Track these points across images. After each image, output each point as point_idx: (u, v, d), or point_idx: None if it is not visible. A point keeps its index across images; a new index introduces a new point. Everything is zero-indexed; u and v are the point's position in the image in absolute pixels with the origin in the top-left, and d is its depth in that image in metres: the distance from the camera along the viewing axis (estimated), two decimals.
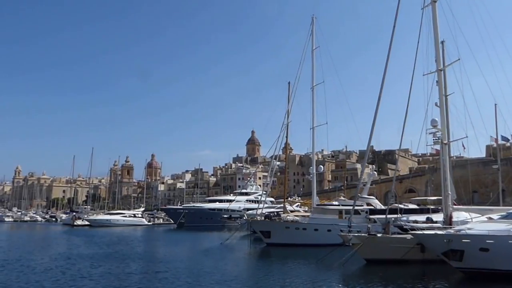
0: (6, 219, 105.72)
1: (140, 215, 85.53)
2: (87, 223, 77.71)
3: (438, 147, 28.78)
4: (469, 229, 20.41)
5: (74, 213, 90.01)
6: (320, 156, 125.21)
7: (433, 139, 27.82)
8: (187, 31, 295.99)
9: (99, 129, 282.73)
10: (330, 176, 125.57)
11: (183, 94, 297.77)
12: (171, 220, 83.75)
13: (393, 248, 23.97)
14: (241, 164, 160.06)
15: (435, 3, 26.81)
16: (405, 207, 37.40)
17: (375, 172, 47.54)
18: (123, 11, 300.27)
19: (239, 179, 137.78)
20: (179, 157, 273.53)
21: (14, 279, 19.78)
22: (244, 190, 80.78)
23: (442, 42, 29.68)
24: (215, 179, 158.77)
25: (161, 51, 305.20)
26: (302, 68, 43.97)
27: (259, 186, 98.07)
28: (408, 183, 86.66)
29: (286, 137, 47.23)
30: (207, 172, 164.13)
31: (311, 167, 47.97)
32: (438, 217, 29.70)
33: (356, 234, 25.55)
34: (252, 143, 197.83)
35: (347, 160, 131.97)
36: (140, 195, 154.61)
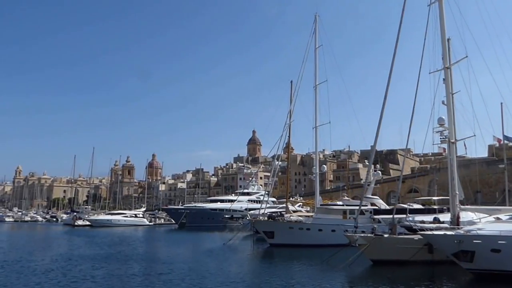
0: (7, 219, 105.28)
1: (141, 215, 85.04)
2: (88, 223, 77.25)
3: (445, 145, 28.33)
4: (479, 229, 19.97)
5: (75, 213, 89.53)
6: (321, 156, 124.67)
7: (440, 138, 27.39)
8: (188, 31, 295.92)
9: (99, 129, 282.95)
10: (331, 176, 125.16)
11: (184, 94, 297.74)
12: (172, 220, 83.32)
13: (400, 249, 23.50)
14: (242, 164, 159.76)
15: None
16: (410, 207, 36.92)
17: (379, 172, 47.00)
18: (124, 11, 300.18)
19: (240, 179, 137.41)
20: (179, 157, 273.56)
21: (14, 281, 19.33)
22: (245, 190, 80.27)
23: (448, 40, 29.19)
24: (216, 179, 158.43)
25: (162, 51, 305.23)
26: (305, 67, 43.52)
27: (260, 186, 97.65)
28: (411, 183, 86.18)
29: (289, 136, 46.79)
30: (208, 172, 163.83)
31: (314, 167, 47.49)
32: (445, 217, 29.28)
33: (363, 235, 25.07)
34: (253, 143, 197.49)
35: (348, 160, 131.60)
36: (141, 195, 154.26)
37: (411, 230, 26.40)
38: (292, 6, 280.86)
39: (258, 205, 63.16)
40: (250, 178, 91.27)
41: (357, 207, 37.77)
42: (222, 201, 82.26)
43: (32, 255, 29.96)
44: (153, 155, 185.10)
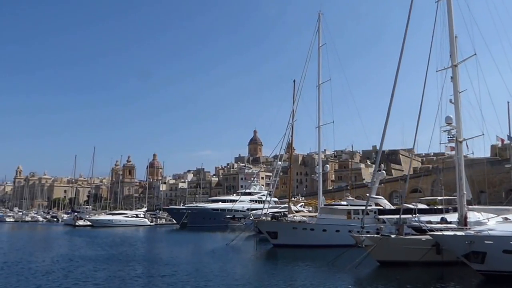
0: (7, 219, 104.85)
1: (142, 215, 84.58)
2: (89, 223, 76.82)
3: (452, 145, 27.79)
4: (490, 230, 19.50)
5: (76, 213, 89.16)
6: (323, 156, 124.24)
7: (448, 137, 26.88)
8: (188, 31, 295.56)
9: (100, 129, 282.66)
10: (333, 176, 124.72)
11: (185, 94, 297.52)
12: (174, 220, 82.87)
13: (408, 250, 23.05)
14: (243, 164, 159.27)
15: None
16: (416, 207, 36.42)
17: (383, 172, 46.51)
18: (124, 11, 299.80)
19: (241, 179, 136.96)
20: (180, 157, 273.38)
21: (14, 283, 18.85)
22: (247, 190, 79.85)
23: (455, 37, 28.70)
24: (217, 179, 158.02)
25: (163, 51, 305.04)
26: (306, 66, 43.01)
27: (262, 186, 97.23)
28: (414, 183, 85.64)
29: (291, 136, 46.33)
30: (209, 172, 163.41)
31: (317, 167, 47.04)
32: (451, 217, 28.81)
33: (369, 235, 24.61)
34: (254, 143, 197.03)
35: (350, 160, 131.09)
36: (141, 195, 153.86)
37: (418, 230, 25.99)
38: (292, 6, 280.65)
39: (259, 205, 62.84)
40: (252, 178, 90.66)
41: (362, 207, 37.47)
42: (223, 201, 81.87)
43: (32, 256, 29.48)
44: (154, 155, 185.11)
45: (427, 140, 27.11)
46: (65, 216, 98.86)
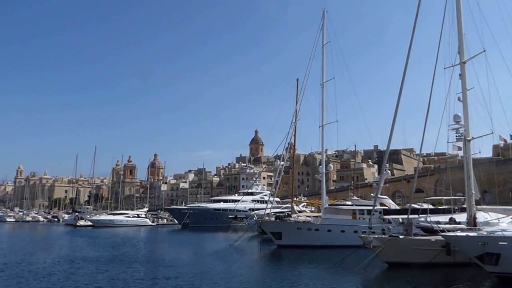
0: (8, 219, 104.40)
1: (144, 215, 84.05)
2: (90, 223, 76.33)
3: (460, 144, 27.25)
4: (504, 230, 18.97)
5: (77, 213, 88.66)
6: (324, 156, 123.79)
7: (456, 136, 26.35)
8: (189, 31, 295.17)
9: (101, 129, 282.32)
10: (335, 176, 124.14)
11: (185, 94, 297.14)
12: (175, 221, 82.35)
13: (417, 251, 22.52)
14: (245, 164, 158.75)
15: None
16: (421, 207, 35.94)
17: (388, 171, 46.06)
18: (125, 11, 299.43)
19: (242, 179, 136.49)
20: (180, 157, 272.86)
21: (15, 286, 18.36)
22: (249, 190, 79.38)
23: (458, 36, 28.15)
24: (218, 179, 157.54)
25: (164, 50, 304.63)
26: (310, 65, 42.44)
27: (264, 186, 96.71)
28: (416, 183, 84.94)
29: (294, 135, 45.81)
30: (210, 172, 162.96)
31: (320, 166, 46.51)
32: (459, 217, 28.33)
33: (377, 236, 24.09)
34: (255, 143, 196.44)
35: (351, 160, 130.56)
36: (142, 195, 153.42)
37: (426, 231, 25.48)
38: (292, 6, 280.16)
39: (261, 205, 62.42)
40: (254, 178, 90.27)
41: (367, 207, 36.98)
42: (225, 201, 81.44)
43: (33, 257, 28.95)
44: (155, 155, 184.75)
45: (430, 139, 26.55)
46: (66, 216, 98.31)
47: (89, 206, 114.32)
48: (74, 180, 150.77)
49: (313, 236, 34.97)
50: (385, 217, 35.25)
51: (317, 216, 40.92)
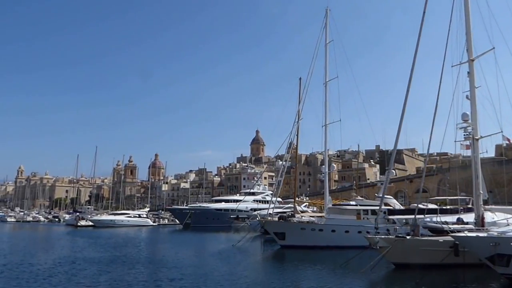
0: (9, 219, 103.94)
1: (145, 216, 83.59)
2: (90, 223, 75.87)
3: (467, 143, 26.82)
4: None
5: (78, 213, 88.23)
6: (327, 155, 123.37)
7: (464, 135, 25.93)
8: (189, 31, 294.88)
9: (102, 129, 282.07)
10: (336, 176, 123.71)
11: (186, 94, 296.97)
12: (176, 221, 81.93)
13: (425, 252, 22.10)
14: (246, 164, 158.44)
15: None
16: (426, 207, 35.48)
17: (393, 171, 45.60)
18: (126, 11, 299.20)
19: (244, 179, 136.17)
20: (181, 157, 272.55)
21: (15, 287, 17.99)
22: (251, 190, 78.98)
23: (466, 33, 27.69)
24: (219, 179, 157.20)
25: (165, 50, 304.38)
26: (313, 63, 42.00)
27: (265, 186, 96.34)
28: (419, 183, 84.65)
29: (297, 135, 45.38)
30: (211, 172, 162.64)
31: (323, 166, 46.09)
32: (466, 217, 27.88)
33: (384, 237, 23.66)
34: (256, 143, 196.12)
35: (353, 160, 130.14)
36: (143, 195, 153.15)
37: (434, 231, 25.06)
38: (293, 6, 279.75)
39: (263, 205, 61.98)
40: (255, 178, 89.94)
41: (371, 207, 36.57)
42: (227, 201, 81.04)
43: (34, 258, 28.50)
44: (156, 155, 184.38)
45: (433, 138, 26.01)
46: (67, 216, 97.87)
47: (90, 206, 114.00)
48: (75, 180, 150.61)
49: (317, 237, 34.54)
50: (390, 217, 34.79)
51: (320, 216, 40.50)
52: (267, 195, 79.23)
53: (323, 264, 26.28)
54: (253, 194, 77.54)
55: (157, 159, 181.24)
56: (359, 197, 42.14)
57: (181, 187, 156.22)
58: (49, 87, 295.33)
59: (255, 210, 62.30)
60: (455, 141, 26.89)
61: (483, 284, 18.79)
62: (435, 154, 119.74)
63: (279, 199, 73.53)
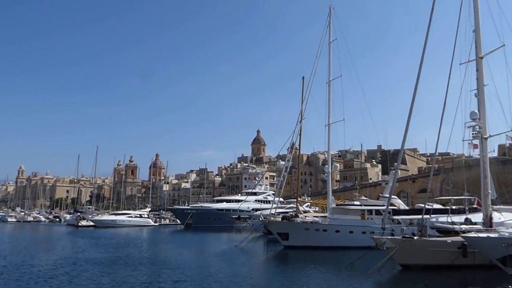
0: (9, 219, 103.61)
1: (146, 216, 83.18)
2: (91, 223, 75.48)
3: (476, 142, 26.35)
4: None
5: (79, 214, 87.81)
6: (327, 156, 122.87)
7: (472, 134, 25.46)
8: (190, 31, 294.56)
9: (102, 129, 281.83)
10: (338, 176, 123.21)
11: (186, 94, 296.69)
12: (178, 221, 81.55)
13: (433, 253, 21.66)
14: (247, 164, 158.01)
15: None
16: (432, 207, 35.01)
17: (398, 171, 45.05)
18: (126, 11, 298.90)
19: (245, 179, 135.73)
20: (181, 157, 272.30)
21: None
22: (253, 190, 78.54)
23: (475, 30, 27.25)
24: (220, 179, 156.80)
25: (166, 50, 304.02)
26: (316, 62, 41.54)
27: (267, 186, 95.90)
28: (422, 183, 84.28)
29: (300, 135, 44.94)
30: (211, 172, 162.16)
31: (326, 166, 45.65)
32: (474, 217, 27.41)
33: (391, 237, 23.22)
34: (257, 143, 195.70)
35: (355, 160, 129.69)
36: (144, 195, 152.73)
37: (442, 231, 24.61)
38: (294, 5, 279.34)
39: (265, 205, 61.49)
40: (257, 178, 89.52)
41: (376, 207, 36.13)
42: (228, 201, 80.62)
43: (34, 259, 28.05)
44: (157, 155, 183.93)
45: (430, 139, 25.55)
46: (68, 216, 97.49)
47: (90, 206, 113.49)
48: (75, 180, 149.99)
49: (321, 237, 34.09)
50: (394, 217, 34.32)
51: (323, 217, 40.05)
52: (268, 195, 78.84)
53: (328, 265, 25.86)
54: (254, 194, 77.19)
55: (158, 159, 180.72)
56: (363, 197, 41.69)
57: (182, 187, 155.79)
58: (49, 87, 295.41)
59: (257, 210, 61.92)
60: (463, 140, 26.37)
61: (495, 286, 18.33)
62: (437, 154, 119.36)
63: (281, 199, 73.19)
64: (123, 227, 71.73)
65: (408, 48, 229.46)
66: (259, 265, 27.65)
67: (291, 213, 42.60)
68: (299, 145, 47.96)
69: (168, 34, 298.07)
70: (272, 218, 38.13)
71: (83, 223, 76.76)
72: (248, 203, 69.12)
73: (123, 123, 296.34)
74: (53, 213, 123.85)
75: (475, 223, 25.32)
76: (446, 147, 30.84)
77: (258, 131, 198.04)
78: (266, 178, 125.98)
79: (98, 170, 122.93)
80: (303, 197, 77.70)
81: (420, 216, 26.50)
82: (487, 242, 18.48)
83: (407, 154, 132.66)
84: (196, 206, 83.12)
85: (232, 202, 76.96)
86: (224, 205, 78.31)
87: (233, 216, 66.96)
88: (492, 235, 18.96)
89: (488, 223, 24.11)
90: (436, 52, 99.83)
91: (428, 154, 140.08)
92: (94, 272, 21.95)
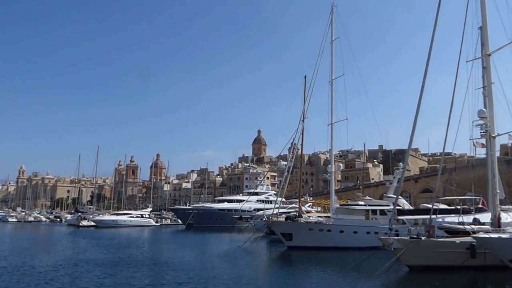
0: (10, 219, 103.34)
1: (147, 216, 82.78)
2: (92, 223, 75.10)
3: (483, 141, 25.94)
4: None
5: (80, 214, 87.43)
6: (328, 156, 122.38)
7: (480, 132, 25.04)
8: (190, 31, 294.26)
9: (103, 129, 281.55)
10: (339, 176, 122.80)
11: (187, 94, 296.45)
12: (179, 221, 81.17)
13: (441, 254, 21.24)
14: (248, 164, 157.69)
15: None
16: (437, 207, 34.59)
17: (404, 171, 44.58)
18: (125, 11, 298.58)
19: (246, 179, 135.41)
20: (182, 157, 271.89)
21: None
22: (254, 190, 78.18)
23: (480, 28, 26.86)
24: (221, 179, 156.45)
25: (166, 50, 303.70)
26: (318, 61, 41.08)
27: (268, 186, 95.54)
28: (424, 183, 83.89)
29: (302, 134, 44.51)
30: (213, 172, 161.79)
31: (329, 166, 45.28)
32: (482, 218, 27.00)
33: (398, 238, 22.80)
34: (258, 143, 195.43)
35: (356, 160, 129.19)
36: (145, 195, 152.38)
37: (449, 232, 24.22)
38: (294, 5, 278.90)
39: (266, 206, 61.12)
40: (258, 178, 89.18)
41: (381, 207, 35.73)
42: (229, 201, 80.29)
43: (35, 259, 27.65)
44: (157, 155, 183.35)
45: (437, 138, 25.18)
46: (69, 216, 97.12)
47: (91, 206, 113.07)
48: (76, 180, 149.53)
49: (325, 237, 33.69)
50: (399, 217, 33.88)
51: (326, 217, 39.66)
52: (270, 195, 78.51)
53: (334, 266, 25.44)
54: (256, 194, 76.87)
55: (159, 159, 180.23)
56: (367, 197, 41.28)
57: (183, 187, 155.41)
58: (49, 87, 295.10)
59: (258, 210, 61.57)
60: (470, 139, 25.98)
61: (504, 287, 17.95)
62: (438, 154, 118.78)
63: (283, 199, 72.76)
64: (124, 227, 71.33)
65: (409, 47, 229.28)
66: (263, 266, 27.25)
67: (295, 213, 42.19)
68: (302, 145, 47.53)
69: (168, 34, 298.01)
70: (275, 218, 37.73)
71: (84, 223, 76.40)
72: (249, 203, 68.77)
73: (123, 123, 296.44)
74: (54, 213, 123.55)
75: (483, 224, 24.95)
76: (452, 146, 30.41)
77: (259, 131, 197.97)
78: (267, 178, 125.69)
79: (99, 170, 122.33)
80: (305, 197, 77.32)
81: (427, 216, 26.14)
82: (499, 243, 18.08)
83: (409, 154, 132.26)
84: (197, 206, 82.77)
85: (234, 202, 76.63)
86: (225, 205, 77.99)
87: (235, 216, 66.62)
88: (503, 235, 18.53)
89: (496, 223, 23.70)
90: (439, 50, 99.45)
91: (430, 154, 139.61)
92: (96, 274, 21.51)
